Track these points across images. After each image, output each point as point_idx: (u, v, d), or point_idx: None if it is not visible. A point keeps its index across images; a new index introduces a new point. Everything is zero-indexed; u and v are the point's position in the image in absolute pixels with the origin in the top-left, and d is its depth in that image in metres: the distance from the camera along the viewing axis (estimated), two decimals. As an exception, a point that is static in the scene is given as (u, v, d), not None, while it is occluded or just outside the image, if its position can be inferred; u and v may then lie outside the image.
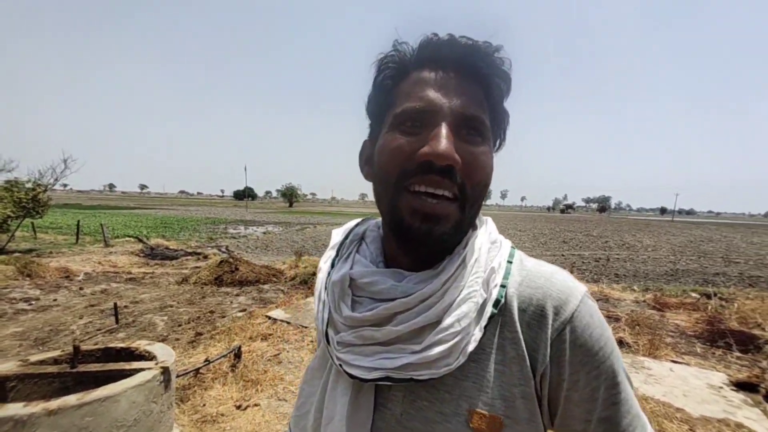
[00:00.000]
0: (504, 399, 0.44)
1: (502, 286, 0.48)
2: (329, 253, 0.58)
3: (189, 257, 10.57)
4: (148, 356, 2.24)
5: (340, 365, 0.48)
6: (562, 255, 14.15)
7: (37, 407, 1.57)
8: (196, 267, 8.93)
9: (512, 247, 0.54)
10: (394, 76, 0.50)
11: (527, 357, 0.45)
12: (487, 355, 0.46)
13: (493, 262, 0.49)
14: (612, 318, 5.15)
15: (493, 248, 0.52)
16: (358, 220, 0.62)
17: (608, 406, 0.45)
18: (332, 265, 0.55)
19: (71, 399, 1.64)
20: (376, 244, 0.55)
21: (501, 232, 0.58)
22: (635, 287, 7.95)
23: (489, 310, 0.46)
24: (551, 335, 0.45)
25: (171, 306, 5.95)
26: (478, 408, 0.44)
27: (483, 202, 0.50)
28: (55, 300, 6.16)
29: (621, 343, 4.20)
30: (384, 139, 0.48)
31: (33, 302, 6.01)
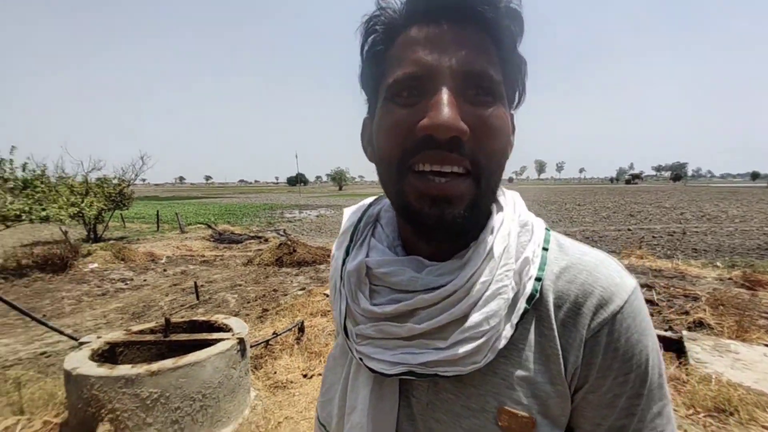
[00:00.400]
0: (537, 398, 0.41)
1: (537, 279, 0.43)
2: (342, 238, 0.52)
3: (252, 241, 11.40)
4: (225, 328, 2.50)
5: (360, 359, 0.45)
6: (628, 229, 13.05)
7: (142, 369, 1.84)
8: (259, 249, 9.61)
9: (546, 228, 0.48)
10: (383, 39, 0.43)
11: (561, 357, 0.41)
12: (519, 352, 0.42)
13: (526, 251, 0.44)
14: (689, 297, 4.69)
15: (523, 232, 0.46)
16: (372, 199, 0.56)
17: (624, 416, 0.41)
18: (347, 252, 0.50)
19: (168, 363, 1.89)
20: (391, 226, 0.50)
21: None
22: (718, 263, 7.13)
23: (522, 306, 0.42)
24: (586, 335, 0.41)
25: (240, 285, 6.51)
26: (508, 406, 0.41)
27: (503, 172, 0.43)
28: (145, 280, 7.03)
29: (701, 324, 3.83)
30: (379, 114, 0.43)
31: (128, 282, 6.92)
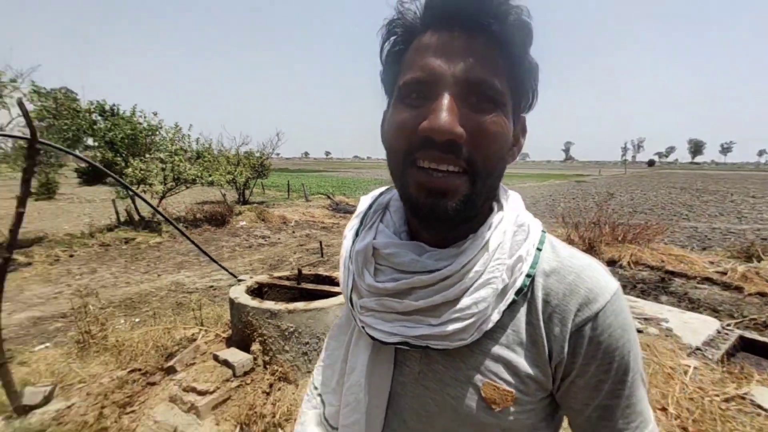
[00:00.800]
0: (517, 376, 0.47)
1: (528, 275, 0.48)
2: (354, 222, 0.58)
3: (363, 212, 12.26)
4: (343, 284, 2.85)
5: (363, 327, 0.51)
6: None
7: (282, 306, 2.26)
8: (369, 221, 10.28)
9: (543, 231, 0.52)
10: (402, 41, 0.47)
11: (546, 346, 0.46)
12: (507, 336, 0.48)
13: (521, 250, 0.48)
14: None
15: (519, 232, 0.50)
16: (383, 189, 0.61)
17: (610, 398, 0.46)
18: (356, 234, 0.56)
19: (300, 305, 2.28)
20: (399, 214, 0.55)
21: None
22: None
23: (511, 297, 0.47)
24: (571, 329, 0.46)
25: (352, 251, 7.18)
26: (491, 380, 0.47)
27: (502, 173, 0.48)
28: (279, 239, 8.31)
29: None
30: (391, 113, 0.47)
31: (267, 239, 8.29)
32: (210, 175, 10.08)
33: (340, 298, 2.47)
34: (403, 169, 0.46)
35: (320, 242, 6.68)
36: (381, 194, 0.60)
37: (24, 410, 2.07)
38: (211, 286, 5.35)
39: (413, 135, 0.43)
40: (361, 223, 0.57)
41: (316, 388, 0.65)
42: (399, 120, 0.45)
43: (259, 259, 6.69)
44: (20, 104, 1.74)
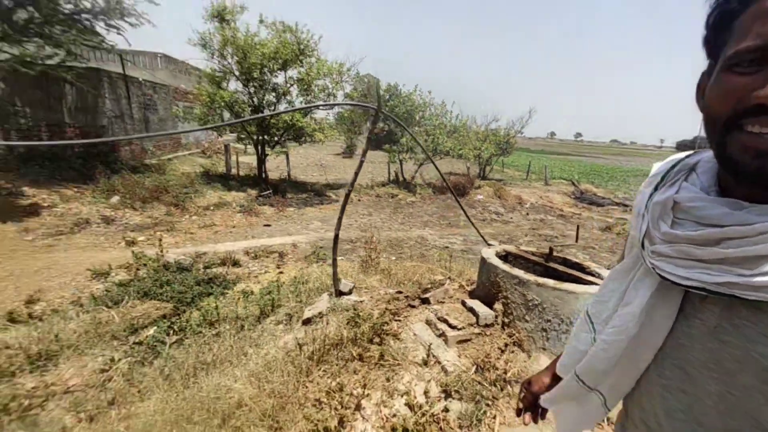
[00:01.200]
0: None
1: None
2: (652, 179, 0.60)
3: (615, 207, 10.36)
4: (596, 275, 2.60)
5: (653, 268, 0.53)
6: None
7: (531, 277, 2.33)
8: (621, 218, 8.63)
9: None
10: (738, 4, 0.45)
11: None
12: None
13: None
14: None
15: None
16: (687, 152, 0.62)
17: None
18: (655, 188, 0.58)
19: (550, 281, 2.27)
20: (708, 174, 0.55)
21: None
22: None
23: None
24: None
25: (593, 248, 6.29)
26: None
27: None
28: (511, 218, 8.30)
29: None
30: (716, 79, 0.48)
31: (499, 216, 8.45)
32: (460, 149, 11.03)
33: (594, 289, 2.28)
34: (724, 131, 0.47)
35: (578, 225, 6.35)
36: (687, 156, 0.63)
37: (339, 293, 3.11)
38: (446, 247, 6.05)
39: (743, 102, 0.44)
40: (662, 180, 0.60)
41: (588, 314, 0.71)
42: (726, 87, 0.46)
43: (489, 233, 6.95)
44: (376, 85, 2.46)
